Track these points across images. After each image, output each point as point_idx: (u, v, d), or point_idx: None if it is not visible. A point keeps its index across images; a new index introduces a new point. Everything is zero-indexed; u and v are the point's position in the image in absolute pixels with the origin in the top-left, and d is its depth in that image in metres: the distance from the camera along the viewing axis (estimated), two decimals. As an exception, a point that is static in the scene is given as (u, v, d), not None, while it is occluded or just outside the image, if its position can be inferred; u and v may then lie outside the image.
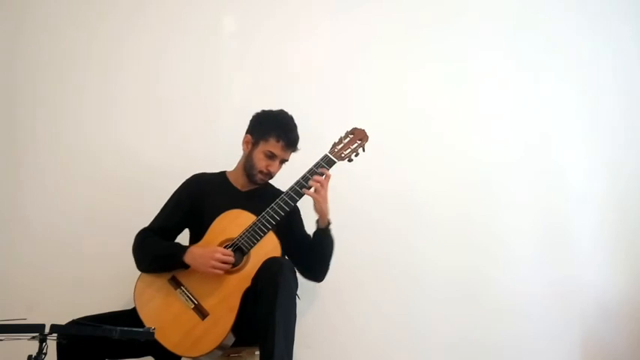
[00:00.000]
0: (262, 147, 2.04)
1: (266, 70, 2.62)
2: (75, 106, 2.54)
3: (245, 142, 2.10)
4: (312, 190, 1.94)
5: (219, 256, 1.82)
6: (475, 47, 2.75)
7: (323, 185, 1.94)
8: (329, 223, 2.01)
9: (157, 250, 1.93)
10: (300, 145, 2.07)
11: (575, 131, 2.78)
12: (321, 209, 1.97)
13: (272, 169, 2.04)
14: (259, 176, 2.05)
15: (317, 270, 2.06)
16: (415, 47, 2.73)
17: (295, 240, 2.07)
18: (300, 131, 2.08)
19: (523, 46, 2.79)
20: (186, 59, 2.61)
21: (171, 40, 2.62)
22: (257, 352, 1.77)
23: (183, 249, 1.89)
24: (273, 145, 2.02)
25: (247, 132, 2.11)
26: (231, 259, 1.84)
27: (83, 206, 2.46)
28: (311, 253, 2.04)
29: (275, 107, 2.10)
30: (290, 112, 2.09)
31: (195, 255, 1.86)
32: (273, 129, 2.03)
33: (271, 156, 2.03)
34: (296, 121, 2.08)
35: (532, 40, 2.80)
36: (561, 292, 2.62)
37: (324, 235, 2.01)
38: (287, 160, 2.08)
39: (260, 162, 2.04)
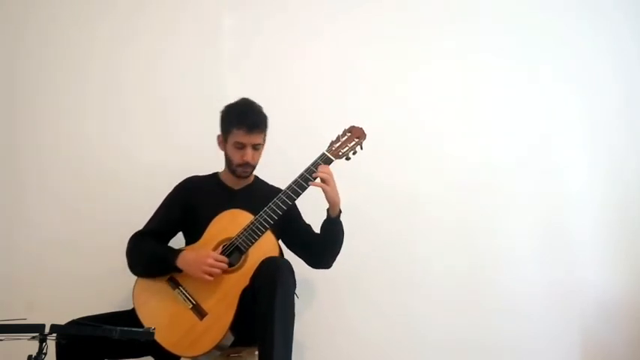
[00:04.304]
0: (230, 141, 2.02)
1: (266, 70, 2.62)
2: (75, 106, 2.54)
3: (219, 143, 2.09)
4: (319, 180, 1.92)
5: (211, 261, 1.82)
6: (475, 47, 2.74)
7: (330, 175, 1.93)
8: (340, 212, 2.01)
9: (150, 254, 1.93)
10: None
11: (575, 131, 2.77)
12: (332, 198, 1.95)
13: (247, 158, 2.00)
14: (239, 170, 2.03)
15: (328, 258, 2.06)
16: (415, 47, 2.72)
17: (296, 233, 2.08)
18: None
19: (523, 46, 2.79)
20: (186, 59, 2.61)
21: (172, 40, 2.62)
22: (257, 352, 1.77)
23: (176, 253, 1.89)
24: (237, 135, 1.99)
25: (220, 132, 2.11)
26: (224, 265, 1.84)
27: (83, 206, 2.46)
28: (322, 243, 2.03)
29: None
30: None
31: (189, 260, 1.85)
32: (233, 119, 2.01)
33: (240, 146, 2.00)
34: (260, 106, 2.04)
35: (532, 40, 2.79)
36: (561, 292, 2.62)
37: (335, 224, 2.00)
38: (261, 144, 2.03)
39: (234, 155, 2.02)
